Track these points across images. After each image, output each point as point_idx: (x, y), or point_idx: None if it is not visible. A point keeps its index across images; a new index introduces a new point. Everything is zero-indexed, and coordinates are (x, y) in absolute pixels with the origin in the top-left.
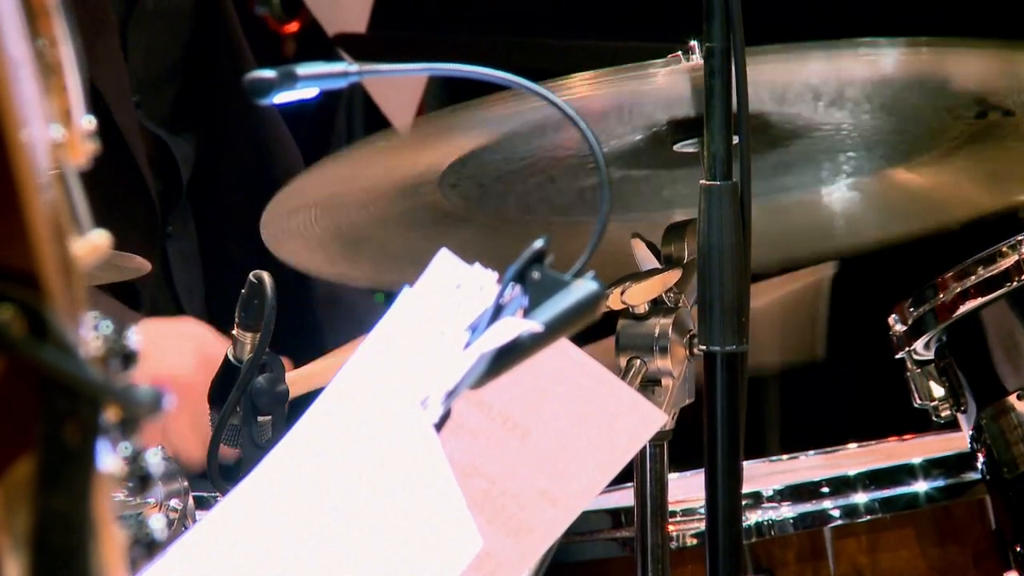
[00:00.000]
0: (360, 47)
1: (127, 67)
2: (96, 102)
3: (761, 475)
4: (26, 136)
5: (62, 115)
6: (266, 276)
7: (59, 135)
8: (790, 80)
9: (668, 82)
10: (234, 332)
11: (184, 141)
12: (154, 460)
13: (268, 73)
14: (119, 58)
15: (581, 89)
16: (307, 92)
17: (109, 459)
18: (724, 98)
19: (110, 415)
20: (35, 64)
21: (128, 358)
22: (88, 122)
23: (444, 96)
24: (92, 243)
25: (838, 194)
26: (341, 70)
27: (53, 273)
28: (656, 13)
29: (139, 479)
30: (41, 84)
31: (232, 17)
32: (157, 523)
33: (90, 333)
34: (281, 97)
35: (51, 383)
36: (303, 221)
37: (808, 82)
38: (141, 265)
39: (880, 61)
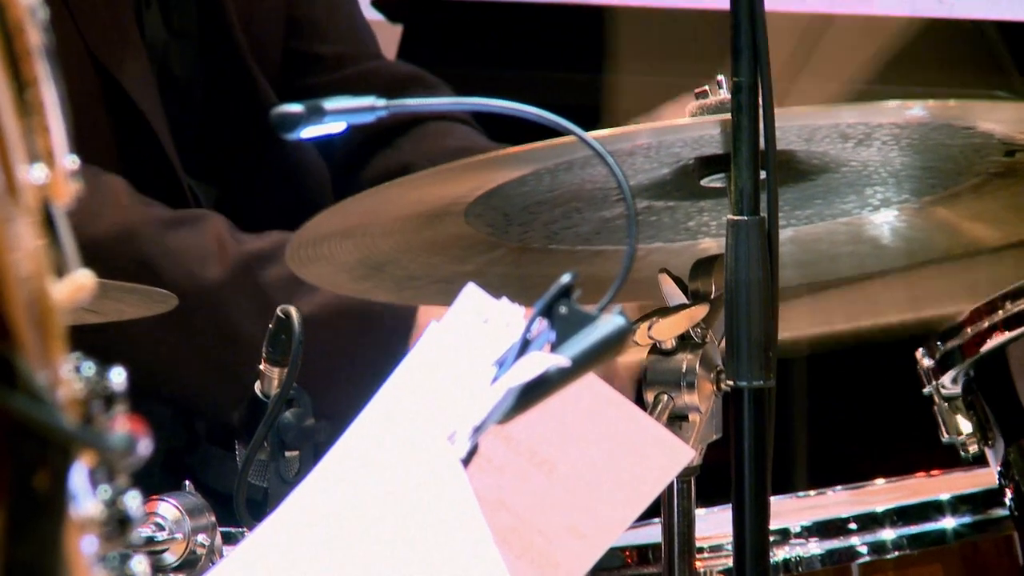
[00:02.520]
0: None
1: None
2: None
3: (789, 511)
4: None
5: (45, 155)
6: (293, 311)
7: (43, 175)
8: (818, 124)
9: (697, 126)
10: (261, 367)
11: (206, 181)
12: (133, 504)
13: (295, 107)
14: (148, 72)
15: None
16: (335, 126)
17: (86, 504)
18: (751, 133)
19: (86, 460)
20: (15, 104)
21: (111, 400)
22: (72, 162)
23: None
24: (77, 283)
25: (865, 225)
26: (369, 104)
27: (23, 318)
28: (683, 48)
29: (118, 523)
30: (23, 124)
31: (240, 42)
32: (139, 565)
33: (71, 375)
34: (308, 131)
35: (20, 430)
36: (328, 248)
37: (837, 126)
38: (167, 298)
39: (909, 111)
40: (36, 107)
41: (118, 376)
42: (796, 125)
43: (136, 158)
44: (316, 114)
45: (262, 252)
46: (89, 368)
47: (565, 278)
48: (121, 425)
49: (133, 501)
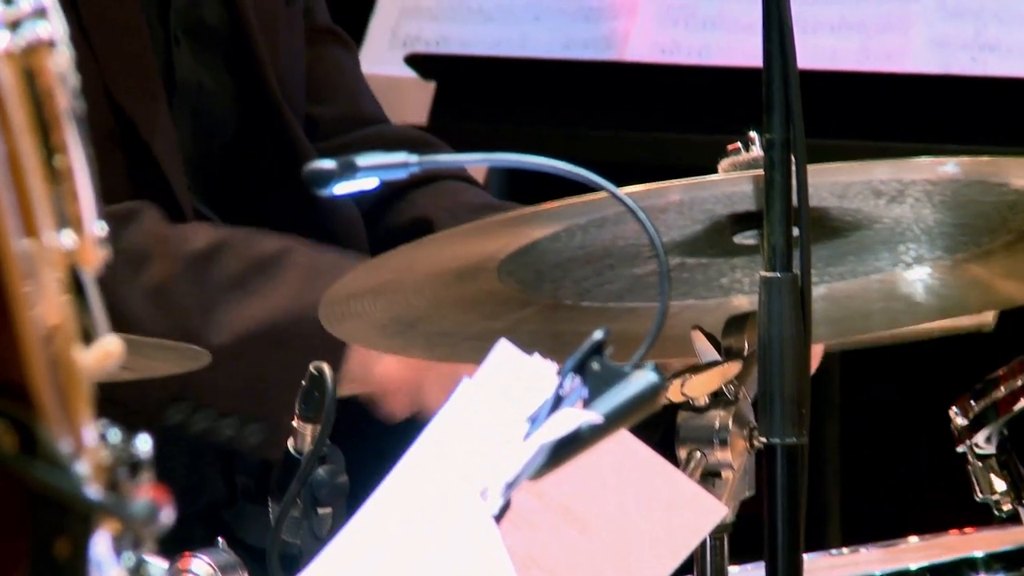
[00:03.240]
0: None
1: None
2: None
3: (821, 568)
4: (17, 247)
5: (74, 221)
6: (326, 368)
7: (71, 241)
8: (851, 180)
9: (731, 183)
10: (294, 424)
11: (237, 225)
12: (157, 572)
13: (328, 163)
14: (169, 126)
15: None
16: (367, 182)
17: (109, 571)
18: (784, 190)
19: (108, 527)
20: (43, 170)
21: (136, 467)
22: (101, 228)
23: (505, 186)
24: (104, 349)
25: (898, 282)
26: (401, 160)
27: (45, 385)
28: (715, 104)
29: None
30: (51, 190)
31: (278, 99)
32: None
33: (96, 442)
34: (341, 188)
35: (41, 498)
36: (361, 305)
37: (869, 182)
38: (199, 355)
39: (941, 167)
40: (65, 173)
41: (144, 443)
42: (829, 182)
43: (148, 200)
44: (349, 170)
45: (201, 251)
46: (115, 435)
47: (597, 334)
48: (145, 492)
49: (157, 569)
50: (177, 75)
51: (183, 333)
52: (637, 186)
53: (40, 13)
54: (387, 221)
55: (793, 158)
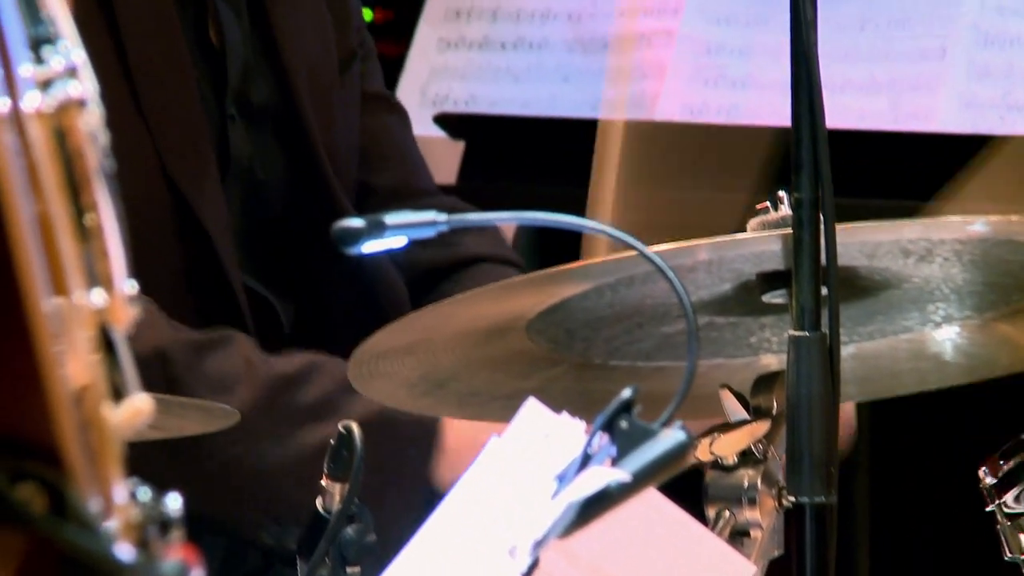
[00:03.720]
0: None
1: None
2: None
3: None
4: (47, 307)
5: (104, 280)
6: (355, 427)
7: (101, 300)
8: (880, 240)
9: (759, 243)
10: (323, 483)
11: (287, 298)
12: None
13: (357, 222)
14: (221, 200)
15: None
16: (396, 241)
17: None
18: (812, 250)
19: None
20: (74, 229)
21: (167, 525)
22: (131, 287)
23: (535, 246)
24: (134, 408)
25: (927, 341)
26: (430, 219)
27: (75, 445)
28: (743, 165)
29: None
30: (82, 249)
31: (328, 173)
32: None
33: (126, 501)
34: (370, 246)
35: (72, 561)
36: (390, 364)
37: (898, 242)
38: (229, 414)
39: (970, 227)
40: (95, 232)
41: (174, 502)
42: (858, 241)
43: (199, 276)
44: (377, 228)
45: (289, 375)
46: (145, 493)
47: (626, 393)
48: (175, 552)
49: None
50: (231, 152)
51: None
52: (666, 245)
53: (71, 72)
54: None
55: (822, 217)
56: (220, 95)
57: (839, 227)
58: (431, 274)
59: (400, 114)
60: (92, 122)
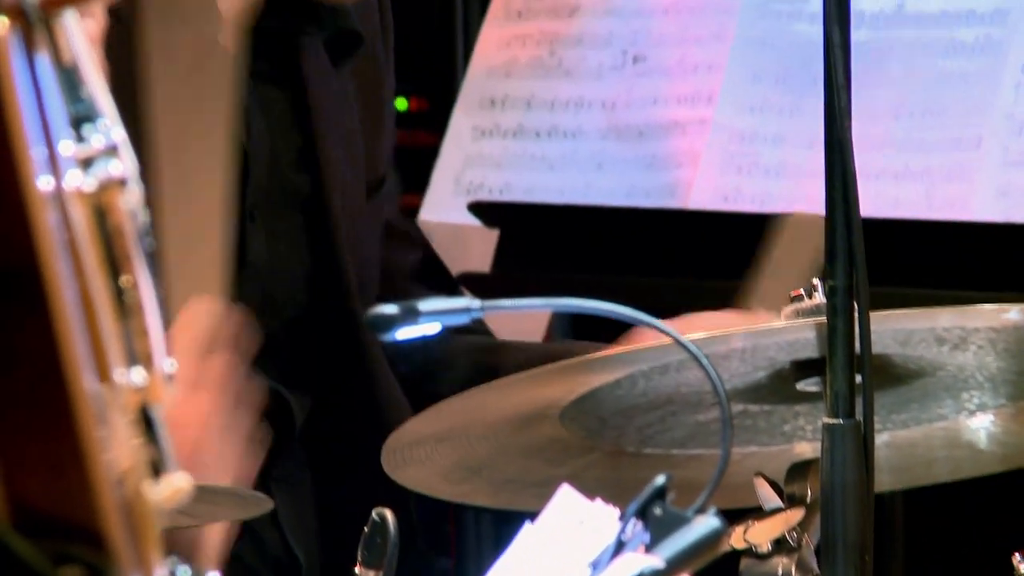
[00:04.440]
0: (483, 285)
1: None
2: None
3: None
4: (89, 389)
5: (144, 358)
6: (388, 514)
7: (140, 378)
8: (914, 327)
9: (793, 331)
10: (357, 570)
11: (300, 393)
12: None
13: (391, 308)
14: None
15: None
16: (429, 328)
17: None
18: (846, 337)
19: None
20: (114, 308)
21: None
22: (171, 365)
23: (569, 334)
24: (174, 485)
25: (961, 430)
26: (463, 305)
27: (117, 526)
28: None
29: None
30: (121, 328)
31: (349, 275)
32: None
33: None
34: (403, 333)
35: None
36: (424, 451)
37: (933, 329)
38: (262, 502)
39: (1005, 315)
40: (135, 310)
41: None
42: (892, 328)
43: None
44: (411, 315)
45: None
46: (184, 571)
47: (659, 480)
48: None
49: None
50: (248, 252)
51: None
52: (700, 333)
53: (112, 151)
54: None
55: (856, 305)
56: (242, 192)
57: (873, 314)
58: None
59: (415, 247)
60: (132, 201)
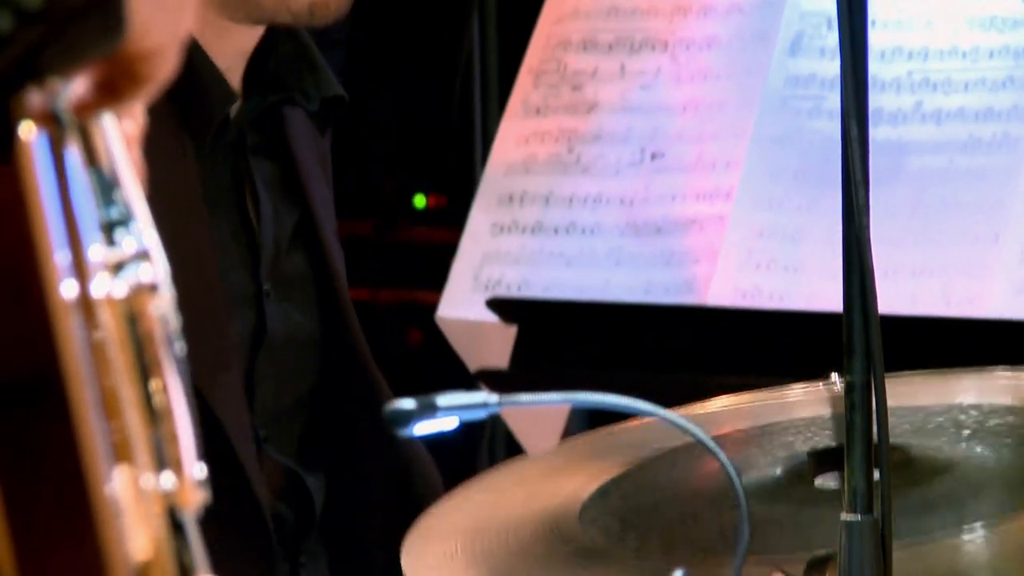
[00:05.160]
0: (502, 382)
1: (256, 400)
2: (220, 437)
3: None
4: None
5: (174, 463)
6: None
7: (170, 483)
8: (931, 408)
9: (809, 410)
10: None
11: (317, 473)
12: None
13: (408, 403)
14: (240, 395)
15: (722, 417)
16: (447, 423)
17: None
18: (864, 432)
19: None
20: (143, 413)
21: None
22: (200, 470)
23: (586, 430)
24: None
25: (981, 540)
26: (482, 400)
27: None
28: (797, 348)
29: None
30: (151, 432)
31: (360, 341)
32: None
33: None
34: (421, 428)
35: None
36: (444, 551)
37: (950, 412)
38: None
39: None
40: (165, 415)
41: None
42: (908, 420)
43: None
44: (429, 410)
45: None
46: None
47: (677, 574)
48: None
49: None
50: (267, 327)
51: None
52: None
53: (143, 255)
54: None
55: (874, 401)
56: (256, 271)
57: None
58: None
59: None
60: (163, 305)
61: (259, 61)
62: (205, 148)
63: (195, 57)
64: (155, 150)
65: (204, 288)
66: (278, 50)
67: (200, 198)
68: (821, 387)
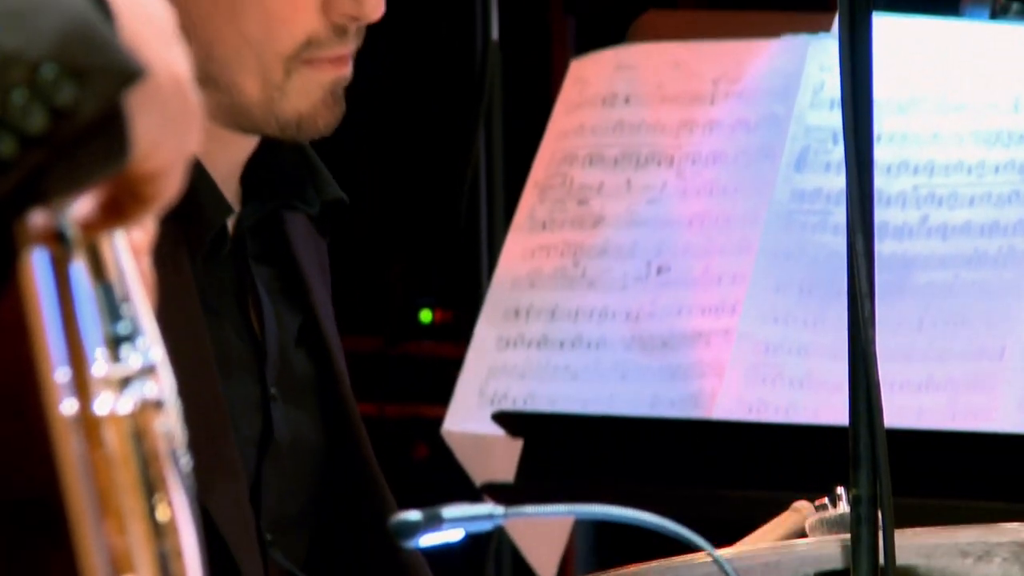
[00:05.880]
0: (508, 495)
1: (263, 505)
2: (222, 549)
3: None
4: None
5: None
6: None
7: None
8: (938, 541)
9: (815, 532)
10: None
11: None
12: None
13: (414, 515)
14: (245, 503)
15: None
16: (453, 534)
17: None
18: (871, 547)
19: None
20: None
21: None
22: None
23: (592, 543)
24: None
25: None
26: (487, 512)
27: None
28: (802, 462)
29: None
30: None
31: (366, 446)
32: None
33: None
34: (427, 539)
35: None
36: None
37: (956, 543)
38: None
39: None
40: (170, 531)
41: None
42: (915, 544)
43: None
44: (434, 522)
45: None
46: None
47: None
48: None
49: None
50: (275, 433)
51: None
52: (728, 549)
53: (148, 371)
54: None
55: (880, 515)
56: (262, 376)
57: (896, 532)
58: None
59: None
60: (168, 422)
61: (257, 166)
62: (202, 260)
63: (191, 167)
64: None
65: (206, 401)
66: (277, 155)
67: (199, 310)
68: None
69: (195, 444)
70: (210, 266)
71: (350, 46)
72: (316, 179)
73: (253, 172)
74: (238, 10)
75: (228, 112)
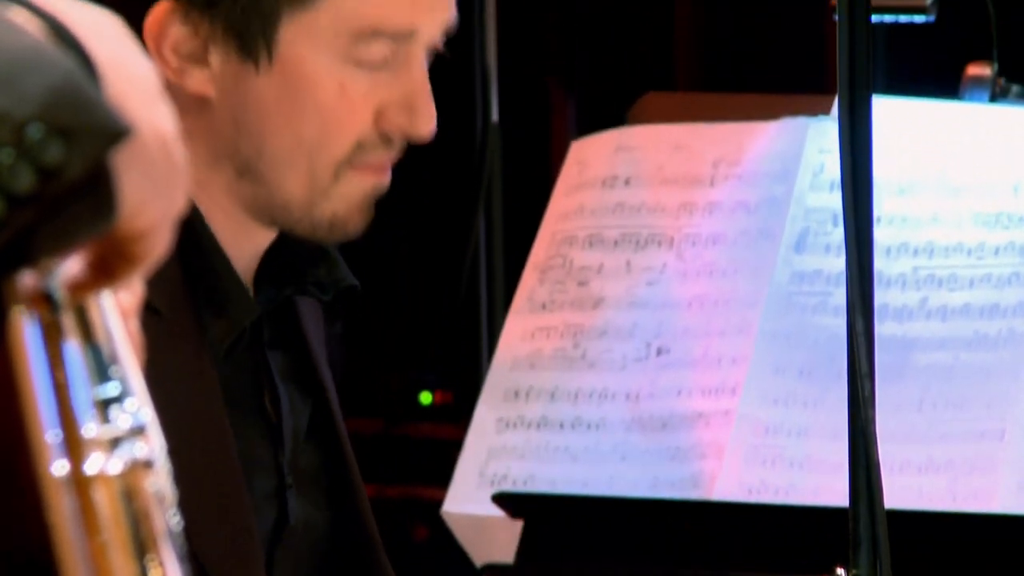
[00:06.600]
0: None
1: None
2: None
3: None
4: None
5: None
6: None
7: None
8: None
9: None
10: None
11: None
12: None
13: None
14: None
15: None
16: None
17: None
18: None
19: None
20: None
21: None
22: None
23: None
24: None
25: None
26: None
27: None
28: (802, 543)
29: None
30: None
31: (374, 532)
32: None
33: None
34: None
35: None
36: None
37: None
38: None
39: None
40: None
41: None
42: None
43: None
44: None
45: None
46: None
47: None
48: None
49: None
50: (290, 519)
51: None
52: None
53: (138, 431)
54: None
55: None
56: (278, 463)
57: None
58: None
59: None
60: (158, 482)
61: (273, 253)
62: (223, 354)
63: (218, 263)
64: (176, 363)
65: (234, 504)
66: (292, 242)
67: (223, 412)
68: None
69: (219, 546)
70: (230, 362)
71: (393, 155)
72: (330, 265)
73: (268, 259)
74: (297, 112)
75: (264, 206)
